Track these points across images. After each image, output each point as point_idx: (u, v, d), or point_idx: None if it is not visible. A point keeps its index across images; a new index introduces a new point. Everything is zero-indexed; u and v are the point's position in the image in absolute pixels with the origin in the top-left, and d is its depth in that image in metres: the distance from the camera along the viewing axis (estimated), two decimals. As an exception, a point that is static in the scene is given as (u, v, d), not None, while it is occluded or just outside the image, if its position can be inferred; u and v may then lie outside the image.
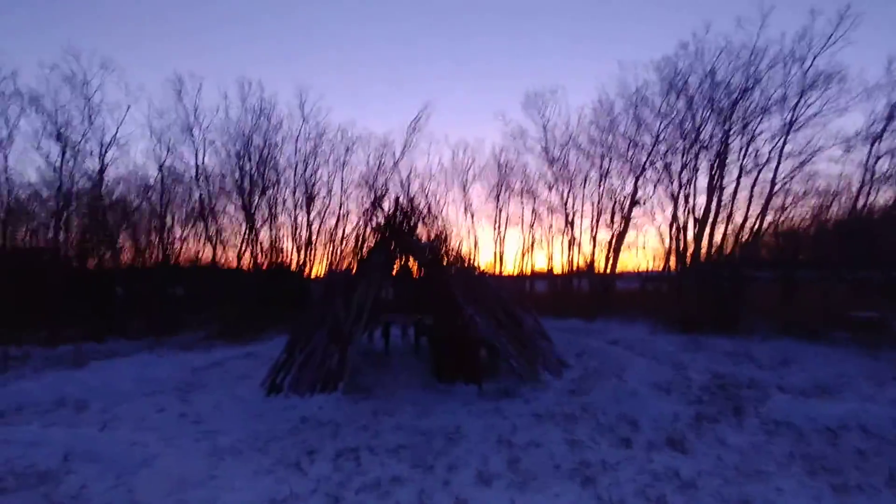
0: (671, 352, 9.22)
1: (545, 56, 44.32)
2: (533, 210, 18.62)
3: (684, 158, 15.14)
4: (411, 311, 9.45)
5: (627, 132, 16.40)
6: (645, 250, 17.49)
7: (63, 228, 13.67)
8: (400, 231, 7.94)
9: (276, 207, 16.22)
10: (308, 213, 16.57)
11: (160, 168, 14.91)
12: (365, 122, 55.15)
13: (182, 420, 5.48)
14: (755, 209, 13.99)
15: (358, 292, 7.05)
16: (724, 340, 10.09)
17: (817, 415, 5.10)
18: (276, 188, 16.24)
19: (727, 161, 14.24)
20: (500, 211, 19.05)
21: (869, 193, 13.48)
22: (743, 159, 14.08)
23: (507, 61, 44.76)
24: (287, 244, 16.48)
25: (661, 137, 15.62)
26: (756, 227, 14.08)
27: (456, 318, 6.96)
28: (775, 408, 5.33)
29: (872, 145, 13.13)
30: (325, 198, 16.95)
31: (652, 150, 15.81)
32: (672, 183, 15.43)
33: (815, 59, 12.97)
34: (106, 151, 14.04)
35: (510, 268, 19.80)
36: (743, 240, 14.24)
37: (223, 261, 15.89)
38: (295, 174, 16.48)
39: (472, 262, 9.40)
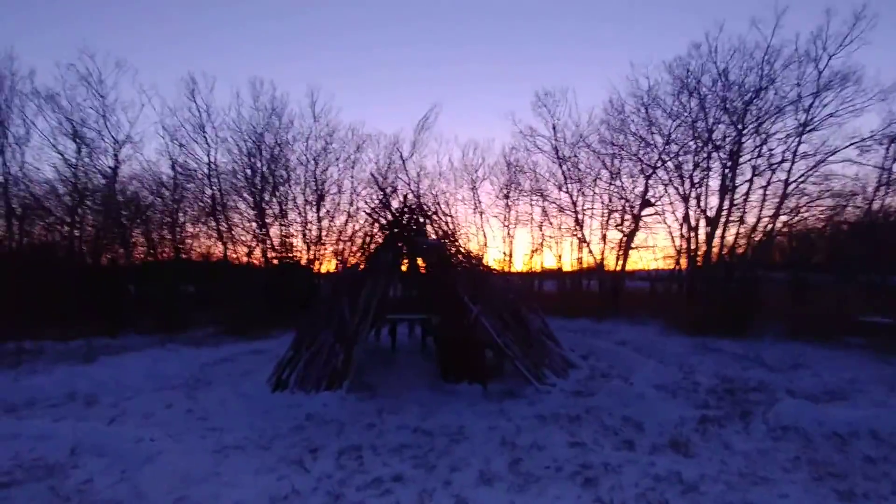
0: (679, 354, 9.15)
1: (555, 57, 44.18)
2: (542, 209, 18.55)
3: (696, 158, 14.99)
4: (419, 311, 9.47)
5: (638, 132, 16.27)
6: (655, 251, 17.30)
7: (78, 225, 13.94)
8: (407, 230, 7.94)
9: (286, 205, 16.32)
10: (318, 211, 16.66)
11: (173, 166, 15.06)
12: (375, 121, 55.37)
13: (188, 416, 5.55)
14: (768, 210, 13.78)
15: (365, 291, 7.07)
16: (733, 343, 9.97)
17: (826, 420, 5.00)
18: (286, 186, 16.34)
19: (740, 161, 14.04)
20: (510, 210, 19.00)
21: (885, 196, 13.23)
22: (756, 160, 13.89)
23: (518, 62, 44.68)
24: (297, 241, 16.59)
25: (672, 137, 15.45)
26: (769, 228, 13.89)
27: (462, 318, 6.96)
28: (783, 412, 5.24)
29: (889, 147, 12.88)
30: (334, 196, 17.03)
31: (663, 150, 15.67)
32: (683, 183, 15.29)
33: (830, 59, 12.73)
34: (120, 149, 14.29)
35: (519, 267, 19.76)
36: (755, 241, 14.04)
37: (234, 257, 16.03)
38: (305, 172, 16.58)
39: (479, 261, 9.37)
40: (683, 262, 15.98)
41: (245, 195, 15.96)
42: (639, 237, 16.81)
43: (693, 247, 15.35)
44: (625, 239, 16.82)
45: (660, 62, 18.78)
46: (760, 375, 7.44)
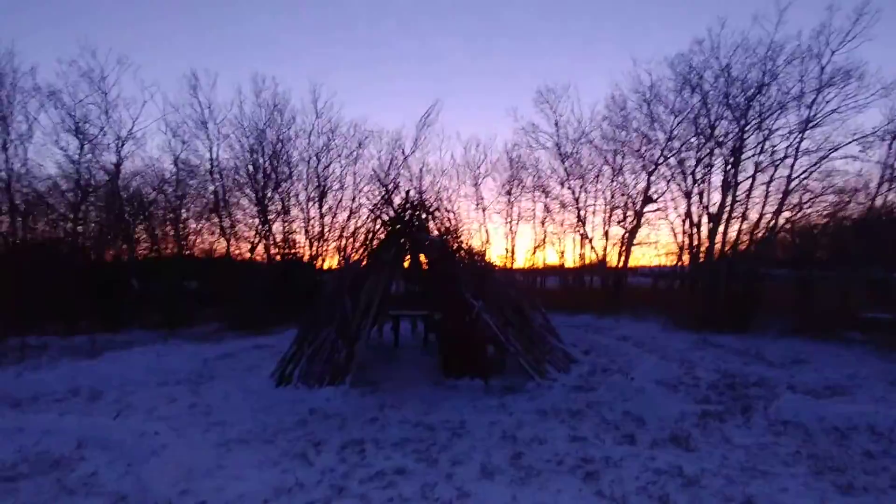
0: (681, 349, 9.17)
1: (557, 53, 43.85)
2: (545, 206, 18.56)
3: (698, 154, 14.98)
4: (421, 307, 9.49)
5: (641, 128, 16.25)
6: (657, 247, 17.30)
7: (81, 221, 13.99)
8: (410, 226, 7.96)
9: (288, 201, 16.34)
10: (320, 208, 16.67)
11: (175, 162, 15.08)
12: (377, 118, 55.15)
13: (192, 410, 5.58)
14: (770, 207, 13.78)
15: (367, 287, 7.09)
16: (735, 339, 9.99)
17: (826, 415, 5.03)
18: (289, 182, 16.36)
19: (742, 158, 14.02)
20: (512, 206, 19.00)
21: (888, 192, 13.20)
22: (759, 156, 13.88)
23: (520, 58, 44.37)
24: (299, 237, 16.61)
25: (674, 133, 15.45)
26: (771, 224, 13.88)
27: (464, 314, 6.98)
28: (784, 407, 5.27)
29: (891, 143, 12.85)
30: (337, 192, 17.03)
31: (665, 146, 15.65)
32: (686, 179, 15.29)
33: (832, 55, 12.70)
34: (122, 145, 14.27)
35: (521, 263, 19.77)
36: (758, 237, 14.03)
37: (237, 253, 16.08)
38: (308, 168, 16.58)
39: (481, 257, 9.38)
40: (685, 258, 16.01)
41: (247, 191, 16.00)
42: (641, 233, 16.87)
43: (695, 243, 15.37)
44: (627, 235, 16.85)
45: (662, 58, 18.60)
46: (761, 371, 7.47)
